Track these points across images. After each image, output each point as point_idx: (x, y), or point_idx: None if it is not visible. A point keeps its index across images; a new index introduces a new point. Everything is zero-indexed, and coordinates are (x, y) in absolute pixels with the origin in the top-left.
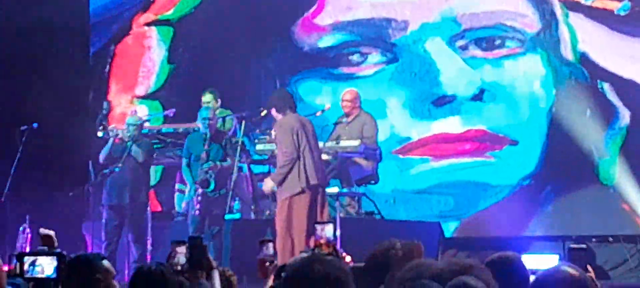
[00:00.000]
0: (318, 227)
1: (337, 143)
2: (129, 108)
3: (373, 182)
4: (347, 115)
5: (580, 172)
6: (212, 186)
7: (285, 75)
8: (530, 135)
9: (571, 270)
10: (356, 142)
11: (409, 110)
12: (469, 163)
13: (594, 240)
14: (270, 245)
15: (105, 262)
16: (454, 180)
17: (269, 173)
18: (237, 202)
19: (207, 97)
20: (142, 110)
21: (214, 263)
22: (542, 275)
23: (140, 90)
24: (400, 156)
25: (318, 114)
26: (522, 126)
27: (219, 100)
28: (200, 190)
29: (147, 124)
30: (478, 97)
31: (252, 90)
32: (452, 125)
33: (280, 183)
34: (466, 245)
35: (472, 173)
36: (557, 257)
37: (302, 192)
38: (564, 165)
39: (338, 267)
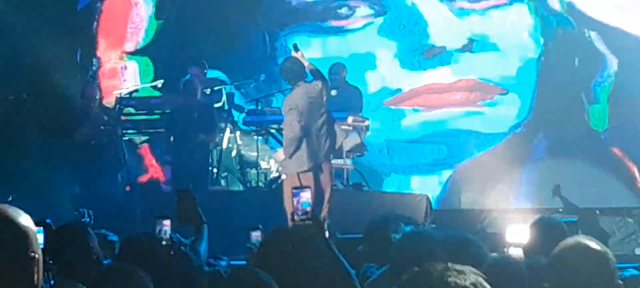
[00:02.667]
0: (294, 195)
1: None
2: (119, 64)
3: (359, 154)
4: (334, 88)
5: (571, 118)
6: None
7: (275, 29)
8: (520, 84)
9: (592, 243)
10: (345, 114)
11: (399, 61)
12: (461, 113)
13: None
14: (258, 233)
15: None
16: (446, 129)
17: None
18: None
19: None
20: (132, 66)
21: (204, 218)
22: (562, 248)
23: (129, 46)
24: (392, 107)
25: None
26: (511, 75)
27: (205, 74)
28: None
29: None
30: (467, 47)
31: (241, 45)
32: (442, 75)
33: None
34: (453, 217)
35: (463, 122)
36: None
37: (308, 170)
38: (555, 112)
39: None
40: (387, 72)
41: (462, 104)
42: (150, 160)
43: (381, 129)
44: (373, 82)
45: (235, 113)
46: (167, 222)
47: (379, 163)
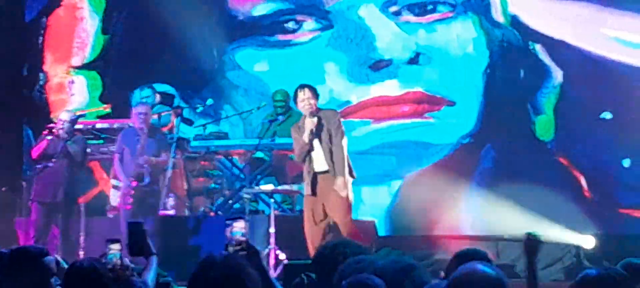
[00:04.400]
0: (228, 224)
1: (273, 140)
2: (66, 78)
3: None
4: (280, 114)
5: (517, 129)
6: (147, 180)
7: (222, 43)
8: (467, 96)
9: (488, 269)
10: (291, 140)
11: (347, 74)
12: (409, 124)
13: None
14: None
15: (49, 259)
16: (395, 140)
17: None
18: (171, 198)
19: (146, 92)
20: (80, 81)
21: (154, 249)
22: (458, 274)
23: (77, 61)
24: (341, 119)
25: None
26: (458, 87)
27: (158, 96)
28: (134, 184)
29: (82, 119)
30: (414, 60)
31: (189, 58)
32: (390, 88)
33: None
34: (400, 243)
35: (412, 134)
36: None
37: None
38: (502, 123)
39: (233, 266)
40: (335, 85)
41: (410, 115)
42: (100, 173)
43: None
44: (322, 95)
45: (185, 127)
46: (115, 246)
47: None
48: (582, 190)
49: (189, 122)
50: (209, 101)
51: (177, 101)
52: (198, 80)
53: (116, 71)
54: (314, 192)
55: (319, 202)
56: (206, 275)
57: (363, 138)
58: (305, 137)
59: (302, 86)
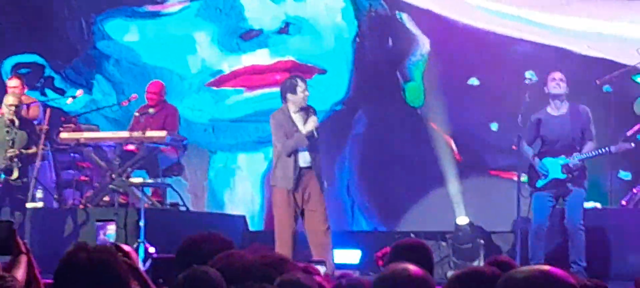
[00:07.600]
0: (99, 226)
1: (143, 133)
2: None
3: (177, 173)
4: (152, 106)
5: (388, 96)
6: (15, 174)
7: (90, 13)
8: (337, 64)
9: (413, 268)
10: (163, 133)
11: (218, 44)
12: None
13: (397, 236)
14: None
15: None
16: (269, 108)
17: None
18: (39, 190)
19: (13, 82)
20: None
21: (24, 249)
22: (384, 274)
23: None
24: (214, 88)
25: (124, 103)
26: (328, 56)
27: (26, 87)
28: (1, 178)
29: None
30: (284, 30)
31: (56, 29)
32: (261, 57)
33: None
34: (270, 238)
35: None
36: (359, 252)
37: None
38: (373, 90)
39: (104, 251)
40: (206, 55)
41: None
42: None
43: (205, 109)
44: (194, 65)
45: (54, 94)
46: None
47: (204, 142)
48: (453, 152)
49: (60, 92)
50: (76, 91)
51: (48, 71)
52: (68, 50)
53: None
54: (296, 187)
55: (300, 197)
56: (77, 257)
57: (236, 106)
58: (308, 130)
59: (302, 78)
